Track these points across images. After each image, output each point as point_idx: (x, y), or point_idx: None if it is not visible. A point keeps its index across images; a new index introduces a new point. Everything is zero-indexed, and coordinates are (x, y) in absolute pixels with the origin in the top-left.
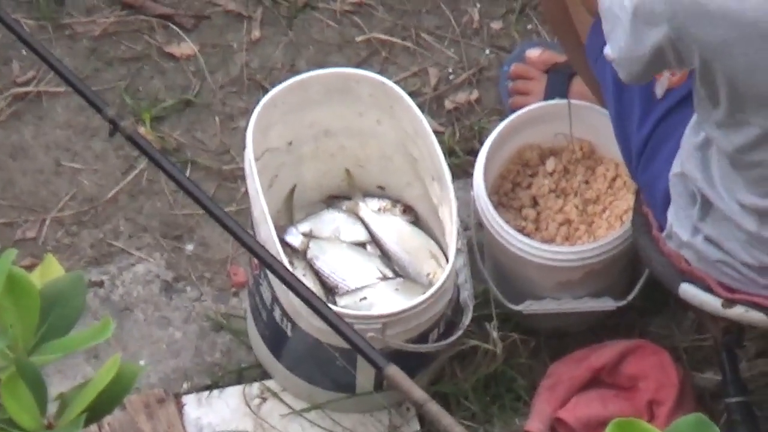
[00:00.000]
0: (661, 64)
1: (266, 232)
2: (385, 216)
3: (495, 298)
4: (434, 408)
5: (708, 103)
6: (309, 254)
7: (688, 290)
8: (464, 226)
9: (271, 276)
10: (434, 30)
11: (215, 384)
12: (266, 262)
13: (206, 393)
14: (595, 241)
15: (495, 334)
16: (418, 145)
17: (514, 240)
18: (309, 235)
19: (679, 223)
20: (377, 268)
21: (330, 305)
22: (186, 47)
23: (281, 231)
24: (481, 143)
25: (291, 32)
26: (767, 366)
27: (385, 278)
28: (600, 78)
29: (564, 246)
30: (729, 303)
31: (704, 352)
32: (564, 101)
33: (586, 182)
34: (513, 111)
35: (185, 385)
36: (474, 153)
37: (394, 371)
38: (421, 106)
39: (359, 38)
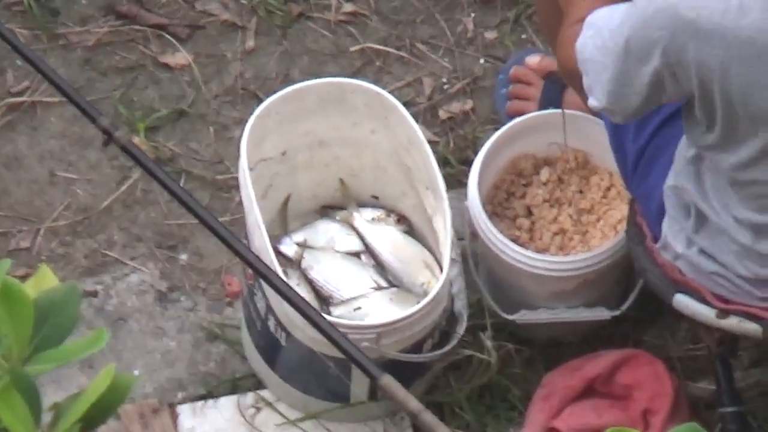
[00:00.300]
0: (659, 96)
1: (260, 242)
2: (380, 226)
3: (489, 307)
4: (429, 418)
5: (702, 126)
6: (303, 264)
7: (682, 301)
8: (458, 236)
9: (265, 286)
10: (429, 40)
11: (210, 394)
12: (260, 271)
13: (201, 403)
14: (590, 251)
15: (489, 343)
16: (413, 154)
17: (508, 250)
18: (303, 245)
19: (673, 234)
20: (371, 277)
21: (324, 315)
22: (180, 57)
23: (275, 241)
24: (476, 153)
25: (285, 42)
26: (761, 376)
27: (379, 288)
28: None
29: (558, 256)
30: (723, 314)
31: (698, 361)
32: (558, 111)
33: (581, 192)
34: (510, 116)
35: (180, 395)
36: (468, 163)
37: (388, 381)
38: (415, 116)
39: (354, 48)
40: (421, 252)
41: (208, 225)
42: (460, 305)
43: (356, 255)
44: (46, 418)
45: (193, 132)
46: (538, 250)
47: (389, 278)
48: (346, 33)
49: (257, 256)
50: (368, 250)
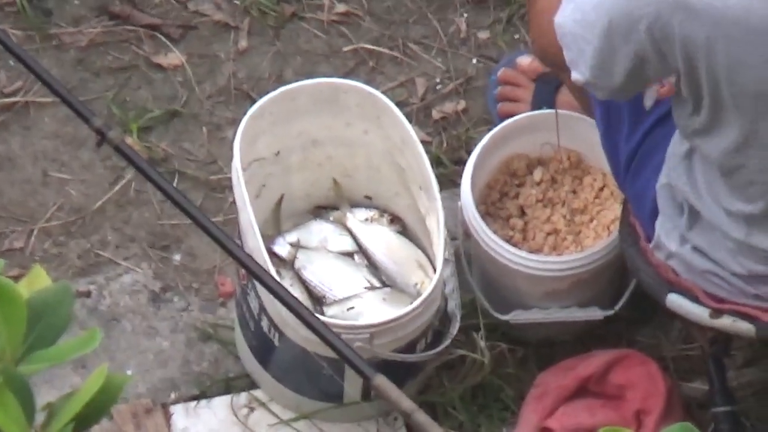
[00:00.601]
0: (643, 73)
1: (254, 242)
2: (373, 226)
3: (482, 307)
4: (422, 418)
5: (690, 108)
6: (296, 264)
7: (675, 301)
8: (452, 236)
9: (258, 286)
10: (421, 40)
11: (203, 394)
12: (254, 272)
13: (194, 403)
14: (583, 251)
15: (482, 343)
16: (406, 155)
17: (501, 250)
18: (296, 245)
19: (666, 233)
20: (365, 277)
21: (317, 315)
22: (173, 57)
23: (269, 241)
24: (469, 153)
25: (278, 42)
26: (754, 375)
27: (372, 288)
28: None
29: (551, 256)
30: (716, 313)
31: (691, 361)
32: (551, 111)
33: (574, 192)
34: (501, 118)
35: (173, 395)
36: (461, 163)
37: (381, 381)
38: (408, 116)
39: (346, 48)
40: (414, 252)
41: (201, 225)
42: (454, 305)
43: (349, 255)
44: (40, 418)
45: (186, 132)
46: (532, 250)
47: (382, 278)
48: (338, 33)
49: (250, 257)
50: (361, 250)
